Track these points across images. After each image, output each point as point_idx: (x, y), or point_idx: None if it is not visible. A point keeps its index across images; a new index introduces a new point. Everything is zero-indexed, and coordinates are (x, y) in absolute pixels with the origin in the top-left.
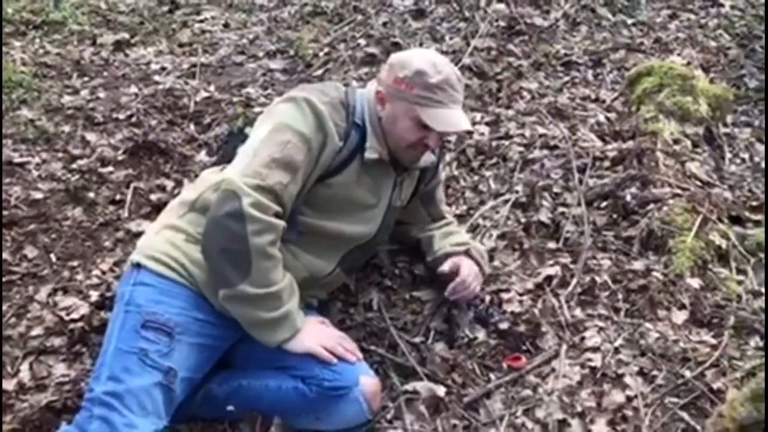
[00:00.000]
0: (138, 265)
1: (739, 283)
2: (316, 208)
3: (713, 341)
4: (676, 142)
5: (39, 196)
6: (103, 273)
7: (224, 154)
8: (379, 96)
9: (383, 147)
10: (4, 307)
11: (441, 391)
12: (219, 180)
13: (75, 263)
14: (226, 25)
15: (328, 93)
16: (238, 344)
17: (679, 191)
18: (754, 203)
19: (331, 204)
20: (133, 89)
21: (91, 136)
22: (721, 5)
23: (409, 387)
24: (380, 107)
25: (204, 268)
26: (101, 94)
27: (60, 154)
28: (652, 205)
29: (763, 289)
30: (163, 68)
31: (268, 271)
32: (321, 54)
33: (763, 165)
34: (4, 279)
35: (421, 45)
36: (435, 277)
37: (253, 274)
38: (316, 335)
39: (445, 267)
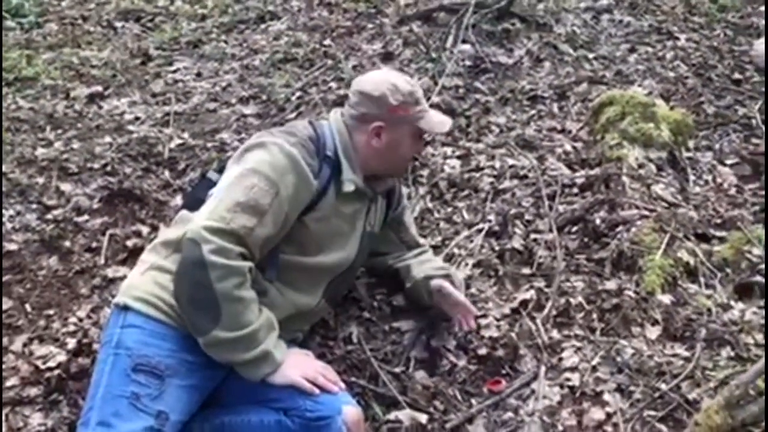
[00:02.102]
0: (125, 307)
1: (708, 297)
2: (295, 245)
3: (686, 354)
4: (640, 166)
5: (13, 247)
6: (80, 320)
7: (193, 197)
8: (376, 131)
9: (359, 175)
10: None
11: (423, 418)
12: None
13: (51, 312)
14: (198, 75)
15: (296, 133)
16: (221, 382)
17: (646, 213)
18: (719, 221)
19: (309, 239)
20: (108, 139)
21: (65, 186)
22: (677, 38)
23: (391, 416)
24: (376, 139)
25: None
26: (75, 145)
27: (34, 206)
28: (621, 227)
29: (732, 302)
30: (137, 118)
31: (238, 314)
32: (293, 98)
33: (725, 185)
34: None
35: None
36: (413, 306)
37: (224, 320)
38: (298, 367)
39: (437, 282)
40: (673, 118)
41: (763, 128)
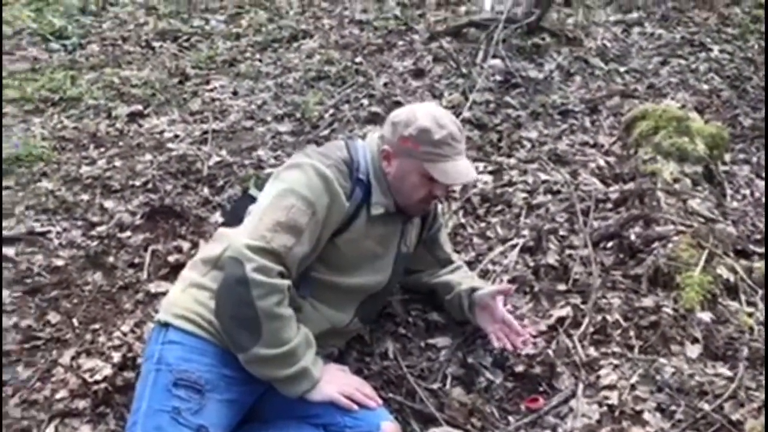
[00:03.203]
0: (166, 324)
1: (750, 315)
2: (328, 264)
3: (729, 373)
4: (676, 181)
5: (60, 263)
6: (125, 334)
7: (233, 213)
8: (385, 154)
9: (389, 199)
10: (29, 372)
11: None
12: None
13: (97, 326)
14: (234, 93)
15: (331, 155)
16: (259, 397)
17: (682, 228)
18: (758, 237)
19: (341, 260)
20: (148, 157)
21: (108, 203)
22: (710, 50)
23: None
24: (386, 164)
25: None
26: (117, 163)
27: (79, 222)
28: (657, 243)
29: None
30: (176, 136)
31: (278, 331)
32: (326, 115)
33: (764, 199)
34: (29, 345)
35: (421, 102)
36: (449, 322)
37: (265, 337)
38: (335, 383)
39: (483, 295)
40: (708, 132)
41: None
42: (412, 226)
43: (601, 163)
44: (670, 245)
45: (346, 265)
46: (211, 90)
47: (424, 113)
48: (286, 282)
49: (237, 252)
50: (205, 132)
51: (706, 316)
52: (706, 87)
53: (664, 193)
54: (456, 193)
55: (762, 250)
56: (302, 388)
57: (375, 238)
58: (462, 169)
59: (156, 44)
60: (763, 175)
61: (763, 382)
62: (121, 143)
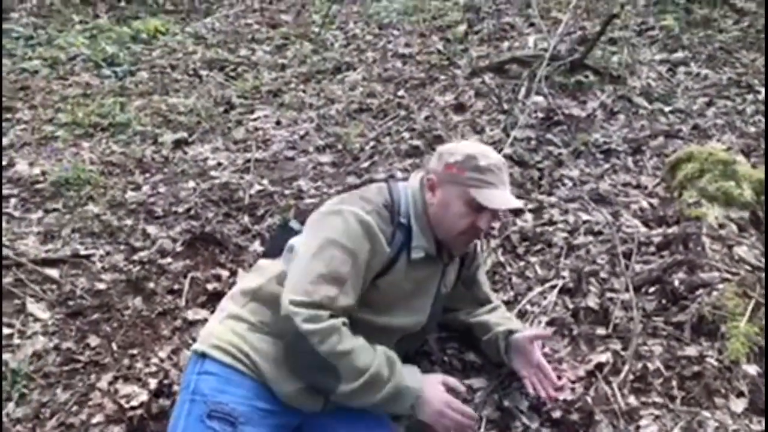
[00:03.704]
0: (203, 355)
1: None
2: (365, 304)
3: None
4: (721, 226)
5: (102, 286)
6: (162, 361)
7: (273, 245)
8: (430, 184)
9: (430, 241)
10: (66, 396)
11: None
12: (279, 272)
13: (135, 351)
14: (278, 123)
15: (372, 200)
16: (297, 428)
17: (728, 275)
18: None
19: (379, 301)
20: (191, 184)
21: (151, 229)
22: (757, 92)
23: None
24: (430, 194)
25: (267, 358)
26: (161, 189)
27: (122, 247)
28: (701, 290)
29: None
30: (219, 164)
31: (352, 364)
32: (367, 147)
33: None
34: (68, 368)
35: (462, 137)
36: (485, 363)
37: (343, 374)
38: (439, 412)
39: (521, 337)
40: (755, 177)
41: None
42: (451, 267)
43: (644, 204)
44: (715, 293)
45: (383, 305)
46: (255, 119)
47: (470, 144)
48: (340, 319)
49: (285, 310)
50: (248, 161)
51: (752, 369)
52: (753, 129)
53: (709, 238)
54: (495, 231)
55: None
56: (406, 403)
57: (415, 281)
58: (507, 197)
59: (203, 73)
60: None
61: None
62: (165, 170)
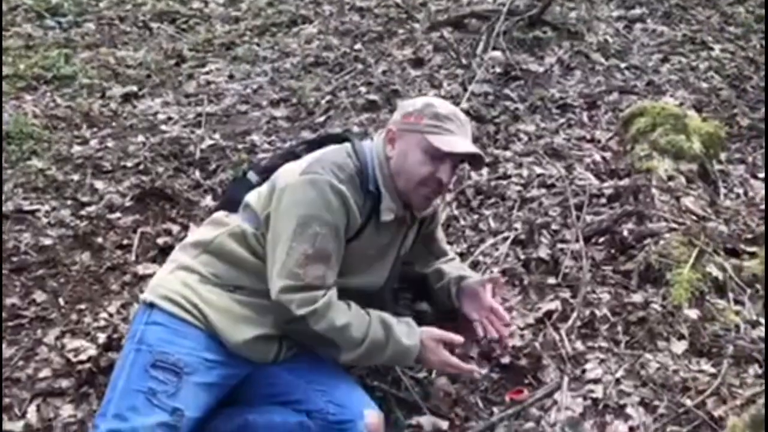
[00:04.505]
0: (151, 305)
1: (737, 313)
2: None
3: (713, 370)
4: (670, 178)
5: (48, 242)
6: (111, 315)
7: (229, 198)
8: (390, 136)
9: (397, 204)
10: (11, 351)
11: (444, 425)
12: (235, 227)
13: (83, 306)
14: (230, 77)
15: (345, 167)
16: (243, 380)
17: (675, 225)
18: (750, 236)
19: (342, 265)
20: (141, 138)
21: (99, 184)
22: (711, 49)
23: (413, 421)
24: (390, 147)
25: (217, 309)
26: (110, 144)
27: (69, 202)
28: (649, 240)
29: (762, 319)
30: (170, 118)
31: (351, 336)
32: (323, 102)
33: (757, 199)
34: (12, 323)
35: (419, 91)
36: (437, 313)
37: (343, 346)
38: (438, 354)
39: (471, 283)
40: (705, 130)
41: None
42: (411, 231)
43: (597, 158)
44: (661, 242)
45: (345, 269)
46: (207, 73)
47: (431, 98)
48: (330, 293)
49: (278, 298)
50: (199, 115)
51: (693, 313)
52: (705, 85)
53: (659, 190)
54: (450, 185)
55: (753, 249)
56: (407, 361)
57: (378, 244)
58: (466, 143)
59: (153, 25)
60: (758, 174)
61: (747, 379)
62: (114, 124)
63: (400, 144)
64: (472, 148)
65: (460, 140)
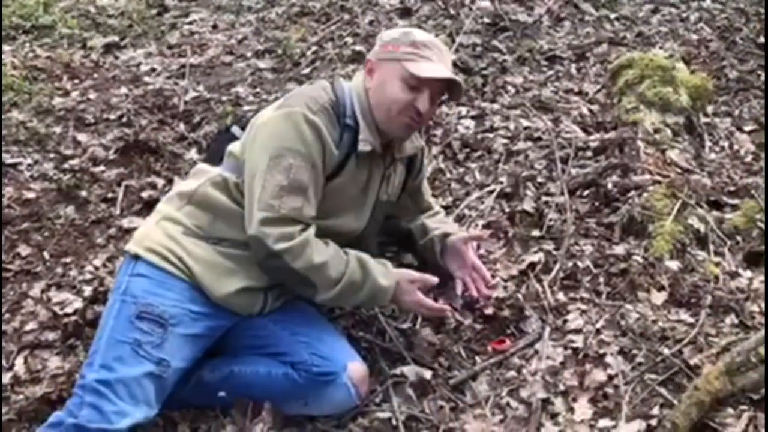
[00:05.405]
0: (135, 256)
1: (717, 264)
2: None
3: (691, 320)
4: (656, 131)
5: (31, 195)
6: (96, 269)
7: (214, 151)
8: (369, 68)
9: (375, 137)
10: None
11: (428, 374)
12: (215, 175)
13: (68, 260)
14: (214, 27)
15: (319, 99)
16: (229, 331)
17: (659, 178)
18: (732, 188)
19: (322, 205)
20: (124, 90)
21: (82, 137)
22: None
23: (396, 371)
24: (369, 79)
25: (201, 261)
26: (92, 96)
27: (52, 155)
28: (632, 192)
29: (740, 270)
30: (153, 69)
31: (328, 275)
32: (308, 53)
33: (742, 152)
34: None
35: None
36: (422, 265)
37: (319, 284)
38: (412, 295)
39: (455, 240)
40: (692, 83)
41: None
42: (395, 175)
43: (584, 111)
44: (645, 195)
45: (324, 209)
46: (191, 23)
47: (410, 29)
48: (309, 230)
49: (255, 231)
50: (183, 66)
51: (673, 265)
52: (695, 37)
53: (644, 142)
54: (437, 137)
55: (735, 201)
56: (382, 302)
57: (359, 183)
58: (442, 69)
59: None
60: (744, 128)
61: (723, 328)
62: (95, 75)
63: (378, 74)
64: (449, 74)
65: (438, 67)
